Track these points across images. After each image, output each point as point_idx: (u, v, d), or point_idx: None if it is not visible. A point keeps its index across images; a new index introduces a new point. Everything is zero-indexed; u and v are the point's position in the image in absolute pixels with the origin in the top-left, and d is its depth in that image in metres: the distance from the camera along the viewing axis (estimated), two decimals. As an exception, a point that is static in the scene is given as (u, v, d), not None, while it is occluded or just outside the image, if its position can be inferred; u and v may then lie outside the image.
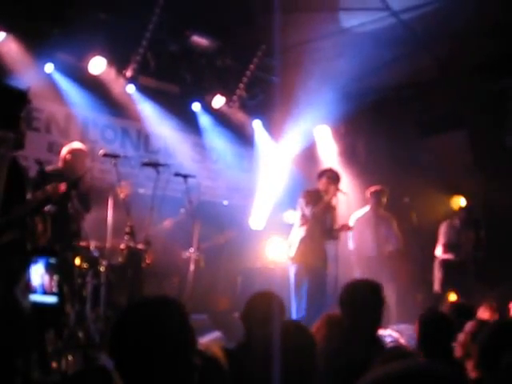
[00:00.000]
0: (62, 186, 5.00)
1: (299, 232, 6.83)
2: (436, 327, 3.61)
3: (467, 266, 8.16)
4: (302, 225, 6.84)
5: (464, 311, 4.28)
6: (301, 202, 6.87)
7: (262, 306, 3.42)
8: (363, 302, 3.48)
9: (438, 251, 8.18)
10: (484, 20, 6.98)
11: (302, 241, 6.77)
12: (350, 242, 7.79)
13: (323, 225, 6.82)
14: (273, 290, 3.80)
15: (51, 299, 4.08)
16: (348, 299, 3.53)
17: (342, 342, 3.44)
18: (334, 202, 6.93)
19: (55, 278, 4.12)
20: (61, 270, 4.60)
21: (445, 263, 8.13)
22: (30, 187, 4.70)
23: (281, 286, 7.03)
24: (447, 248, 8.11)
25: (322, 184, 6.87)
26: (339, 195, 6.88)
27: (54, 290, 4.15)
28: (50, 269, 4.99)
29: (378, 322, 3.54)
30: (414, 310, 6.96)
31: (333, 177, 6.83)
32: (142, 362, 1.78)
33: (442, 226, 8.27)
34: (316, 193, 6.86)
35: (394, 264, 7.75)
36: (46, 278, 4.97)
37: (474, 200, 8.71)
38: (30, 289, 4.66)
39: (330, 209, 6.87)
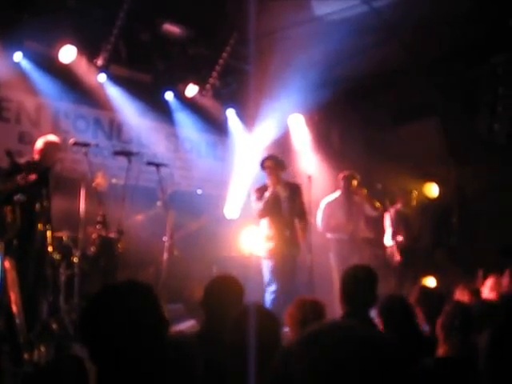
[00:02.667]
0: (33, 176, 4.97)
1: (262, 226, 6.89)
2: (393, 309, 3.79)
3: (419, 252, 8.38)
4: (260, 218, 6.88)
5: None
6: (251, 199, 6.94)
7: (221, 290, 3.44)
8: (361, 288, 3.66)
9: (388, 240, 8.33)
10: (454, 7, 7.02)
11: (265, 234, 6.82)
12: (319, 223, 7.83)
13: (280, 212, 6.78)
14: (232, 275, 3.84)
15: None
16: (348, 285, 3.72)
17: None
18: (292, 182, 7.06)
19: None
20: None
21: (400, 249, 8.28)
22: (2, 177, 4.65)
23: (256, 275, 7.05)
24: (396, 235, 8.29)
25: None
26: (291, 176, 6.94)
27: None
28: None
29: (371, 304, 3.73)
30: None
31: (269, 165, 6.81)
32: (113, 347, 1.77)
33: (386, 216, 8.41)
34: (263, 188, 6.85)
35: (366, 249, 7.83)
36: None
37: (446, 187, 8.83)
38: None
39: (291, 193, 6.84)
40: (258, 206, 6.75)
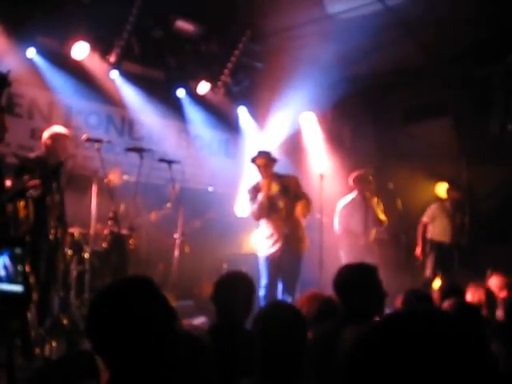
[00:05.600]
0: (36, 181, 4.99)
1: (261, 226, 6.69)
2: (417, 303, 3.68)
3: (454, 251, 8.36)
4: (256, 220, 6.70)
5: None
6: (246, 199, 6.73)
7: (232, 285, 3.43)
8: (359, 285, 3.28)
9: (428, 233, 8.36)
10: (468, 6, 6.97)
11: (265, 233, 6.60)
12: (336, 225, 7.75)
13: (276, 210, 6.49)
14: (244, 271, 3.80)
15: (17, 288, 4.09)
16: (343, 283, 3.33)
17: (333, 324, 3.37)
18: (286, 175, 6.70)
19: (20, 267, 4.11)
20: (26, 259, 4.54)
21: (437, 247, 8.27)
22: (12, 174, 4.65)
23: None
24: (438, 231, 8.28)
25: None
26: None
27: (20, 279, 4.15)
28: (15, 258, 4.94)
29: (374, 305, 3.31)
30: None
31: (260, 163, 6.50)
32: (119, 343, 1.78)
33: (431, 208, 8.42)
34: (257, 187, 6.59)
35: (381, 250, 7.76)
36: (11, 267, 4.92)
37: (458, 186, 8.78)
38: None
39: (283, 188, 6.51)
40: (252, 207, 6.53)
